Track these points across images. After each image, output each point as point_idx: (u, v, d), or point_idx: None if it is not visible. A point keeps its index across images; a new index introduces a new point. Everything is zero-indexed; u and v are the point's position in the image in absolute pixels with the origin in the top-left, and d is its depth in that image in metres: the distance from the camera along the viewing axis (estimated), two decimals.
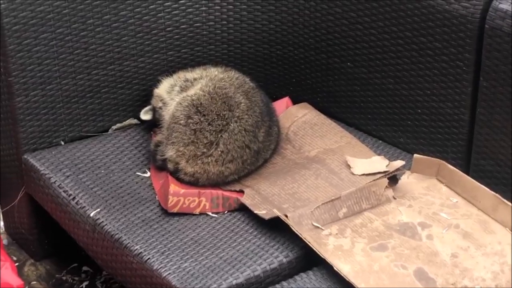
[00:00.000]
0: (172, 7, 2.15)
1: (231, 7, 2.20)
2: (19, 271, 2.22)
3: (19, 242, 2.32)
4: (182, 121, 1.97)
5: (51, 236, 2.23)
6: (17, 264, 2.25)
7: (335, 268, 1.68)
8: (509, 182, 1.87)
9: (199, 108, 1.97)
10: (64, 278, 2.23)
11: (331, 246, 1.77)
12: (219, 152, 1.95)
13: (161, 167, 2.01)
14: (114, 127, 2.19)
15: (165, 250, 1.78)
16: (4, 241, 2.33)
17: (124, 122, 2.20)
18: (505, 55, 1.78)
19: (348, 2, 2.05)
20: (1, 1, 1.92)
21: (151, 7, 2.13)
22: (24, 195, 2.14)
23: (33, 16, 1.97)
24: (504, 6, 1.76)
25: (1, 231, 2.35)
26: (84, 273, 2.24)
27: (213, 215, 1.91)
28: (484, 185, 1.86)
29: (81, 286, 2.21)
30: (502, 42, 1.77)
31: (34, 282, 2.22)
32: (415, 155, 1.96)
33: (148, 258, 1.76)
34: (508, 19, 1.75)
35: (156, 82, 2.15)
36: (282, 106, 2.21)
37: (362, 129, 2.16)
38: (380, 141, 2.12)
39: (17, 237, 2.32)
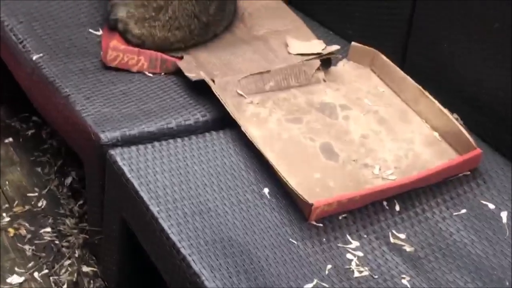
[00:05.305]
0: None
1: None
2: None
3: None
4: None
5: (6, 83, 2.30)
6: None
7: (243, 129, 1.73)
8: (436, 78, 1.89)
9: None
10: (13, 124, 2.32)
11: (249, 113, 1.82)
12: (167, 18, 1.99)
13: (113, 27, 2.06)
14: None
15: (91, 96, 1.85)
16: None
17: None
18: None
19: None
20: None
21: None
22: None
23: None
24: None
25: None
26: (32, 123, 2.33)
27: (149, 74, 1.97)
28: (414, 80, 1.89)
29: (26, 133, 2.30)
30: None
31: None
32: (352, 43, 1.98)
33: (74, 101, 1.84)
34: None
35: None
36: None
37: (316, 19, 2.19)
38: (331, 32, 2.15)
39: None
